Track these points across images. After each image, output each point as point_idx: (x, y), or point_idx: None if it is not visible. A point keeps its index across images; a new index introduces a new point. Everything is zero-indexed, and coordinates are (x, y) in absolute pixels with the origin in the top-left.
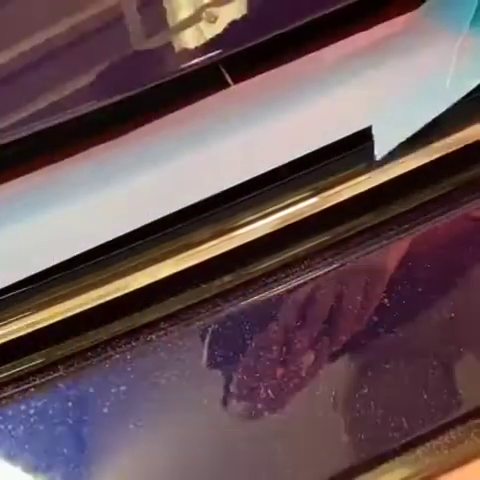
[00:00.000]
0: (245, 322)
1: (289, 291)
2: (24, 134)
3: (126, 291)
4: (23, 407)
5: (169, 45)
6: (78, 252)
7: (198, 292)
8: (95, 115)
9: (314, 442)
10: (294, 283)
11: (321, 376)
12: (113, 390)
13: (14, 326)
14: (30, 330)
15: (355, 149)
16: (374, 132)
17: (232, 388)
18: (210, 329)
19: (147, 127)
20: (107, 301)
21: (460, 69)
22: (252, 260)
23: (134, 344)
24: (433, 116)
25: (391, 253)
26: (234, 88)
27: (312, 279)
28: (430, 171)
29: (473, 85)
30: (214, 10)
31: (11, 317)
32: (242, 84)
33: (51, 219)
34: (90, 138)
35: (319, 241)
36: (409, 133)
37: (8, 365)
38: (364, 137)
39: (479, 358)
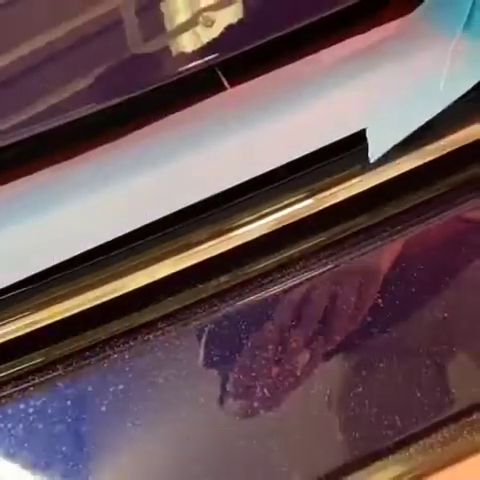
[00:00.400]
0: (241, 322)
1: (285, 291)
2: (25, 136)
3: (124, 291)
4: (22, 406)
5: (166, 49)
6: (77, 253)
7: (195, 292)
8: (94, 117)
9: (309, 440)
10: (290, 283)
11: (316, 375)
12: (111, 389)
13: (14, 326)
14: (29, 330)
15: (350, 151)
16: (368, 134)
17: (228, 387)
18: (207, 329)
19: (145, 130)
20: (105, 301)
21: (453, 72)
22: (248, 261)
23: (132, 344)
24: (427, 119)
25: (385, 254)
26: (231, 91)
27: (307, 279)
28: (423, 173)
29: (466, 88)
30: (211, 14)
31: (11, 317)
32: (239, 87)
33: (51, 220)
34: (89, 140)
35: (314, 242)
36: (403, 135)
37: (8, 364)
38: (359, 139)
39: (472, 357)
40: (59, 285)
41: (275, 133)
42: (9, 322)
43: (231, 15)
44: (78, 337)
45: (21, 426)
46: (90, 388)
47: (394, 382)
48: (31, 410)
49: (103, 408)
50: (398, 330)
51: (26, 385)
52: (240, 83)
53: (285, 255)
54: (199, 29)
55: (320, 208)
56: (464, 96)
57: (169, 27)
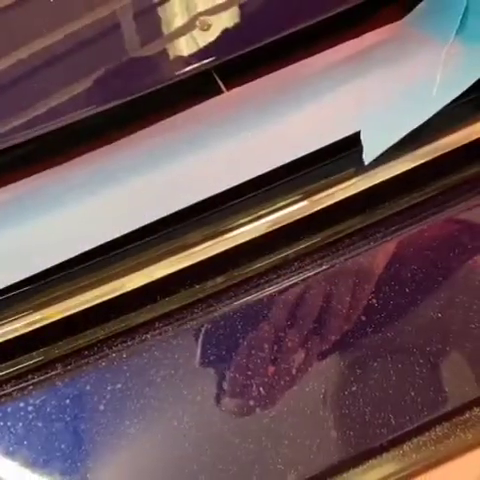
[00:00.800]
0: (237, 322)
1: (280, 292)
2: (24, 139)
3: (122, 291)
4: (22, 404)
5: (164, 52)
6: (76, 254)
7: (192, 292)
8: (92, 120)
9: (305, 438)
10: (285, 284)
11: (311, 374)
12: (109, 388)
13: (13, 325)
14: (29, 329)
15: (344, 154)
16: (363, 137)
17: (225, 386)
18: (204, 328)
19: (142, 132)
20: (103, 301)
21: (447, 76)
22: (244, 261)
23: (130, 343)
24: (420, 121)
25: (379, 255)
26: (227, 94)
27: (302, 280)
28: (416, 175)
29: (458, 92)
30: (207, 18)
31: (10, 316)
32: (235, 90)
33: (50, 221)
34: (88, 143)
35: (309, 243)
36: (397, 138)
37: (7, 363)
38: (353, 142)
39: (465, 356)
40: (58, 285)
41: (271, 135)
42: (9, 322)
43: (227, 19)
44: (77, 336)
45: (20, 424)
46: (88, 387)
47: (388, 381)
48: (30, 408)
49: (101, 407)
50: (392, 330)
51: (25, 384)
52: (236, 86)
53: (280, 256)
54: (196, 33)
55: (315, 210)
56: (456, 100)
57: (166, 31)
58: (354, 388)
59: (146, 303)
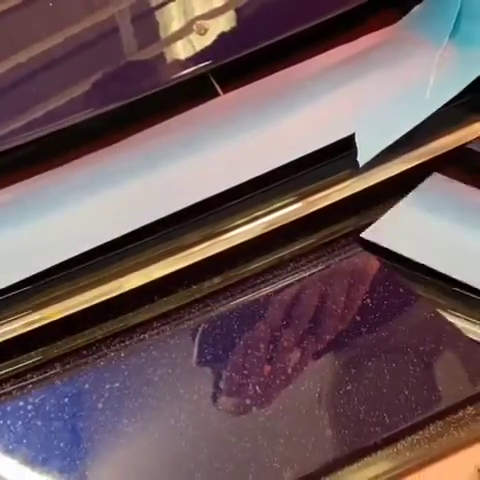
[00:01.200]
0: (234, 321)
1: (276, 292)
2: (24, 141)
3: (120, 292)
4: (21, 403)
5: (162, 56)
6: (75, 254)
7: (189, 293)
8: (91, 123)
9: (300, 437)
10: (281, 284)
11: (307, 373)
12: (107, 387)
13: (13, 325)
14: (28, 329)
15: (339, 156)
16: (357, 139)
17: (221, 385)
18: (201, 328)
19: (140, 135)
20: (102, 301)
21: (440, 79)
22: (241, 262)
23: (128, 343)
24: (414, 124)
25: (374, 255)
26: (224, 97)
27: (298, 280)
28: (411, 177)
29: (452, 94)
30: (204, 22)
31: (10, 316)
32: (231, 93)
33: (50, 221)
34: (86, 145)
35: (304, 244)
36: (391, 140)
37: (7, 363)
38: (348, 144)
39: (458, 355)
40: (57, 285)
41: (267, 138)
42: (8, 322)
43: (224, 23)
44: (75, 336)
45: (20, 423)
46: (87, 386)
47: (382, 380)
48: (30, 407)
49: (100, 405)
50: (386, 329)
51: (25, 383)
52: (233, 89)
53: (276, 257)
54: (193, 37)
55: (310, 211)
56: (455, 99)
57: (164, 35)
58: (349, 387)
59: (144, 303)
